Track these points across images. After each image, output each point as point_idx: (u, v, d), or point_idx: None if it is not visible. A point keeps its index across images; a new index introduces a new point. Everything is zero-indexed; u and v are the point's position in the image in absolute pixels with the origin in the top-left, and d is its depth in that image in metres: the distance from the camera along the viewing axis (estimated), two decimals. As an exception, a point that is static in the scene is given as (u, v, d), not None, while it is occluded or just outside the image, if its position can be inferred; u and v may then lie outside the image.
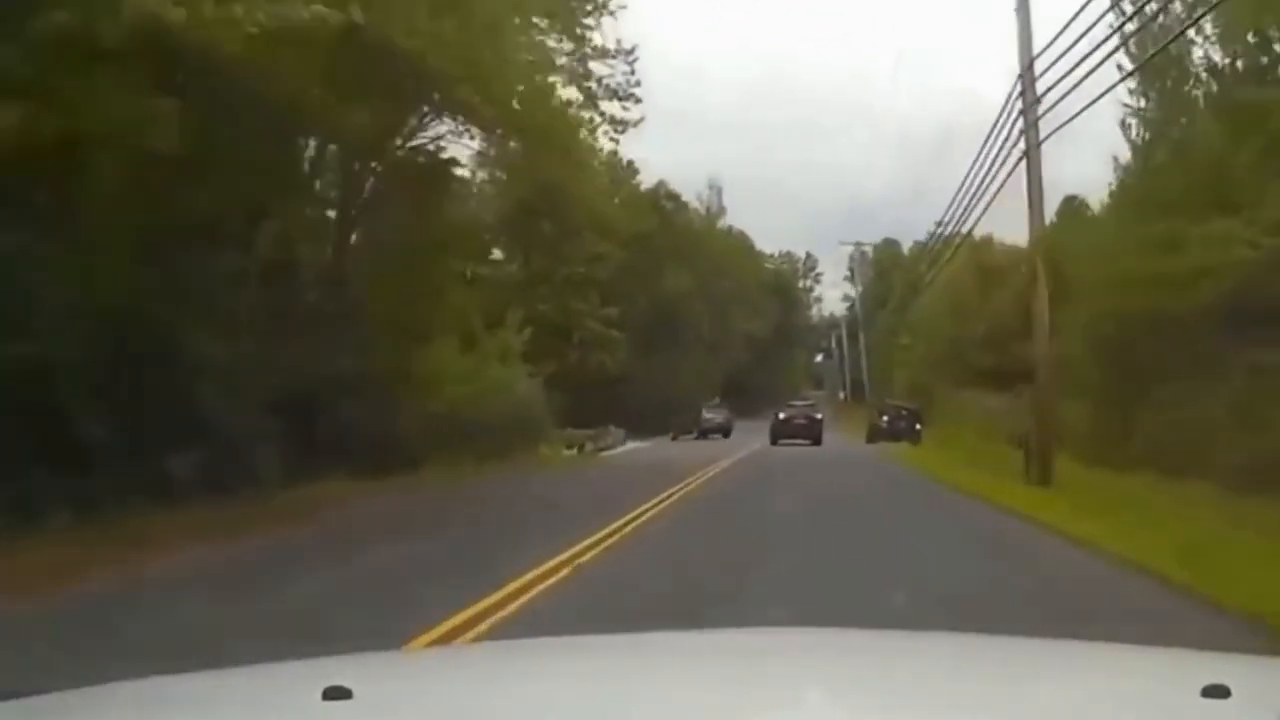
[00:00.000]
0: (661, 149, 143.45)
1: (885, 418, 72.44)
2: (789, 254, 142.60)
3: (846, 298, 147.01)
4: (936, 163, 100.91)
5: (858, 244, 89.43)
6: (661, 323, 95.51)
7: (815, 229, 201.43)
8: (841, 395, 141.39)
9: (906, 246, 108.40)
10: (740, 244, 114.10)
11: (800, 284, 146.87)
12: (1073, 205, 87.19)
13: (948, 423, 64.73)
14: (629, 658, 3.45)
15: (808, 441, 60.11)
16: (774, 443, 61.73)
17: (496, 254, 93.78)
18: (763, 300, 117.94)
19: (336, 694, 2.44)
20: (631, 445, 64.75)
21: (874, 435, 69.93)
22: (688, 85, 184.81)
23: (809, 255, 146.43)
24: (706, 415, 71.32)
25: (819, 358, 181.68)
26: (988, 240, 77.45)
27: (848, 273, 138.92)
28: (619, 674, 3.11)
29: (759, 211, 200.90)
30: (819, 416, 64.86)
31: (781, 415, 65.36)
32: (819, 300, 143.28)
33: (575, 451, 51.96)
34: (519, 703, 2.79)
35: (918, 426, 66.01)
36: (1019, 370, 71.77)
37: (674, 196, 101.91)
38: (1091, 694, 2.73)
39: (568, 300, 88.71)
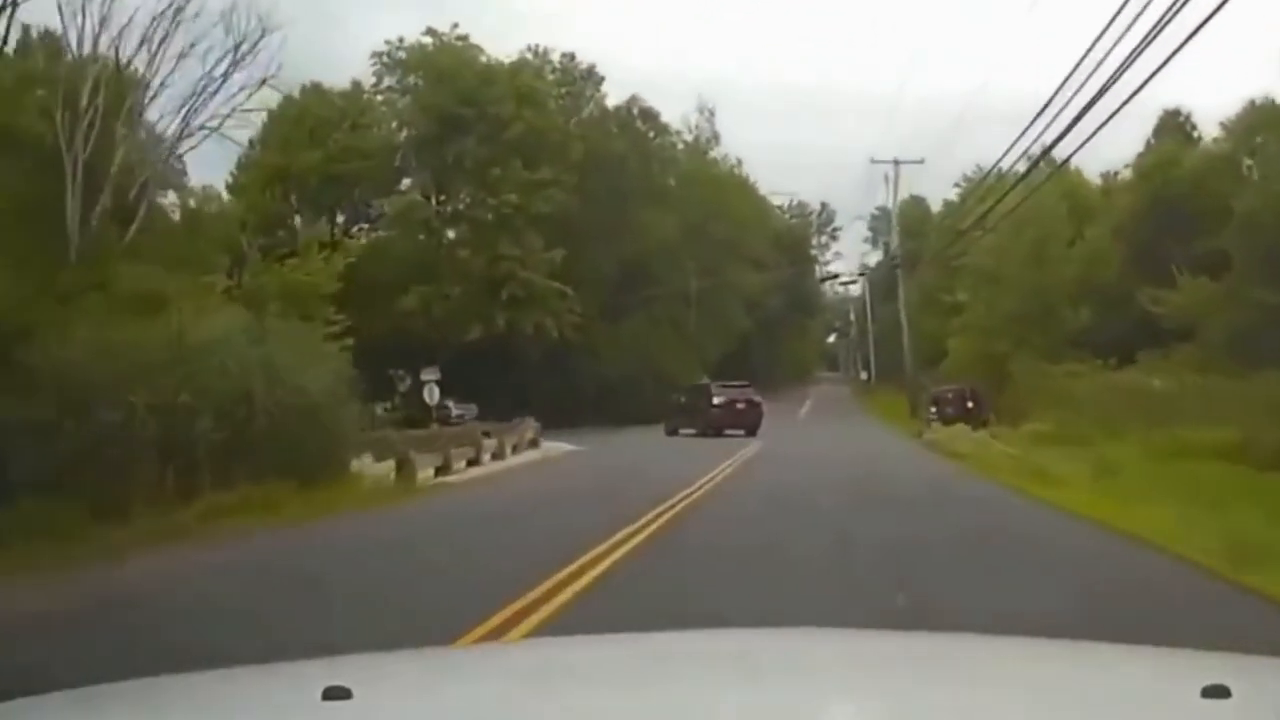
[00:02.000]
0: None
1: (934, 409, 55.22)
2: (801, 204, 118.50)
3: (864, 268, 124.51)
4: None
5: (895, 161, 64.97)
6: (634, 279, 72.72)
7: (831, 183, 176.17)
8: (864, 375, 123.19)
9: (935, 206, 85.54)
10: (739, 182, 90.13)
11: (815, 240, 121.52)
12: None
13: (1041, 410, 43.41)
14: (633, 658, 3.39)
15: (742, 432, 50.41)
16: (672, 433, 53.35)
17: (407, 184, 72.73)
18: (768, 256, 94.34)
19: (336, 694, 2.41)
20: (553, 448, 41.27)
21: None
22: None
23: (825, 206, 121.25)
24: (456, 412, 56.36)
25: (831, 337, 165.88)
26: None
27: (868, 233, 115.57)
28: (622, 674, 3.08)
29: (764, 161, 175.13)
30: (759, 400, 55.26)
31: (718, 400, 53.36)
32: (834, 275, 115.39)
33: (393, 477, 27.64)
34: (519, 702, 2.76)
35: (969, 404, 52.90)
36: (1143, 332, 49.70)
37: (651, 115, 78.96)
38: (1091, 694, 2.69)
39: (495, 243, 65.57)
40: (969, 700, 2.64)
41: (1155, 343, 48.67)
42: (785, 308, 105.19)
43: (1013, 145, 38.76)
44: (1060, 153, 39.16)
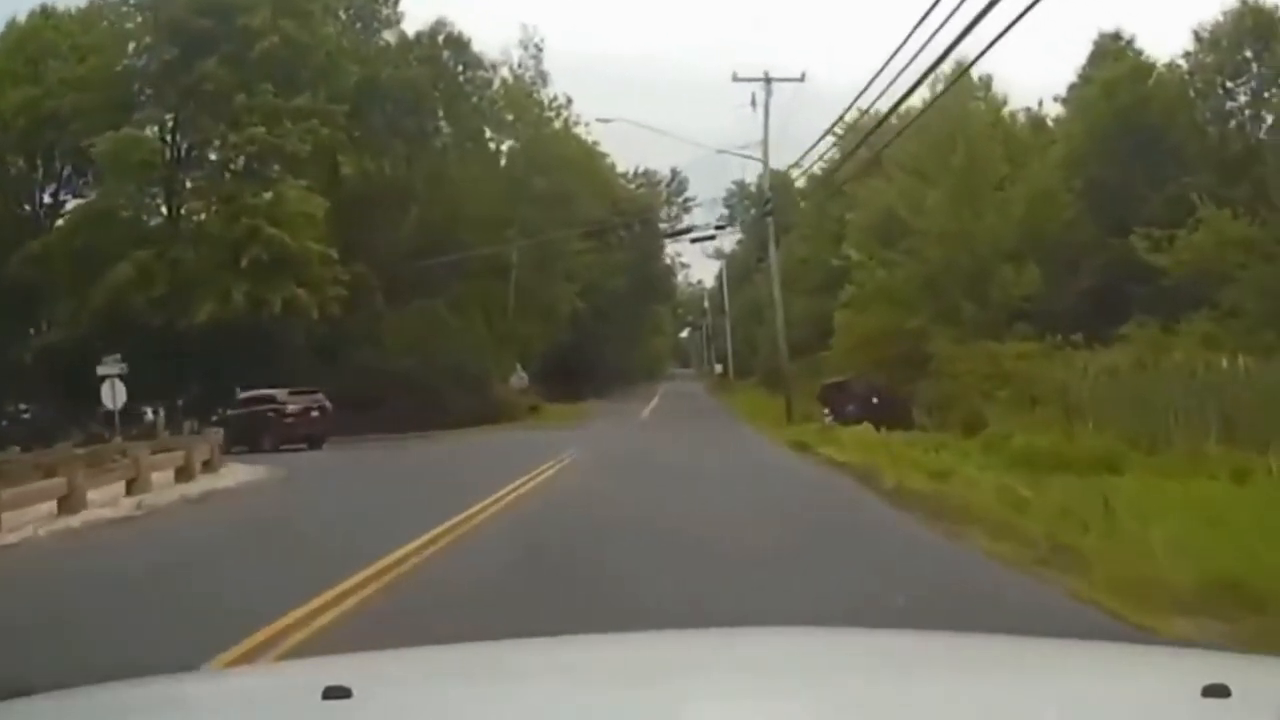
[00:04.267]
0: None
1: (827, 410, 41.89)
2: (649, 172, 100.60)
3: (719, 253, 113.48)
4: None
5: (767, 78, 49.38)
6: (434, 249, 57.02)
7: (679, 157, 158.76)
8: (719, 368, 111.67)
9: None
10: (571, 134, 74.03)
11: (666, 213, 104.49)
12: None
13: (998, 408, 30.79)
14: (635, 656, 3.33)
15: (305, 445, 42.83)
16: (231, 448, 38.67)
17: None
18: (609, 227, 79.11)
19: (336, 694, 2.40)
20: (233, 477, 26.02)
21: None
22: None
23: (675, 174, 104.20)
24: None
25: (685, 332, 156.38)
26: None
27: (728, 198, 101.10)
28: (624, 673, 3.05)
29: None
30: (329, 408, 45.82)
31: (292, 409, 44.80)
32: (686, 229, 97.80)
33: None
34: (519, 702, 2.75)
35: (874, 399, 39.89)
36: (1113, 298, 36.01)
37: (460, 44, 63.35)
38: (1091, 694, 2.62)
39: (239, 193, 50.51)
40: (968, 700, 2.56)
41: (1120, 314, 36.18)
42: (631, 292, 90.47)
43: (898, 50, 24.65)
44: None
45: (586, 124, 72.15)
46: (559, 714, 2.55)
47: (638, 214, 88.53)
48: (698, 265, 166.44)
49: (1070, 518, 13.07)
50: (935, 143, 39.21)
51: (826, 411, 40.36)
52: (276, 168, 52.26)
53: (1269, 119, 42.15)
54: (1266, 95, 42.02)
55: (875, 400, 38.48)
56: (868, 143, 39.65)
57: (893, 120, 35.90)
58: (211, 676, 3.33)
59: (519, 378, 59.18)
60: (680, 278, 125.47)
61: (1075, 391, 26.83)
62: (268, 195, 49.20)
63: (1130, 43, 48.85)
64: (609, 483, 22.21)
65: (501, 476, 21.61)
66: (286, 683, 3.01)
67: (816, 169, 51.43)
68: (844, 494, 19.90)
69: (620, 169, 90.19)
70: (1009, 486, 16.06)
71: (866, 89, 32.17)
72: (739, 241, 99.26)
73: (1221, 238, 32.61)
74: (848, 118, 43.39)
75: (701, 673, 2.99)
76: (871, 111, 38.69)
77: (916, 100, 32.91)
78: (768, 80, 48.96)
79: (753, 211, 76.67)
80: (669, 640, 3.81)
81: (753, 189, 77.56)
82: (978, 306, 38.54)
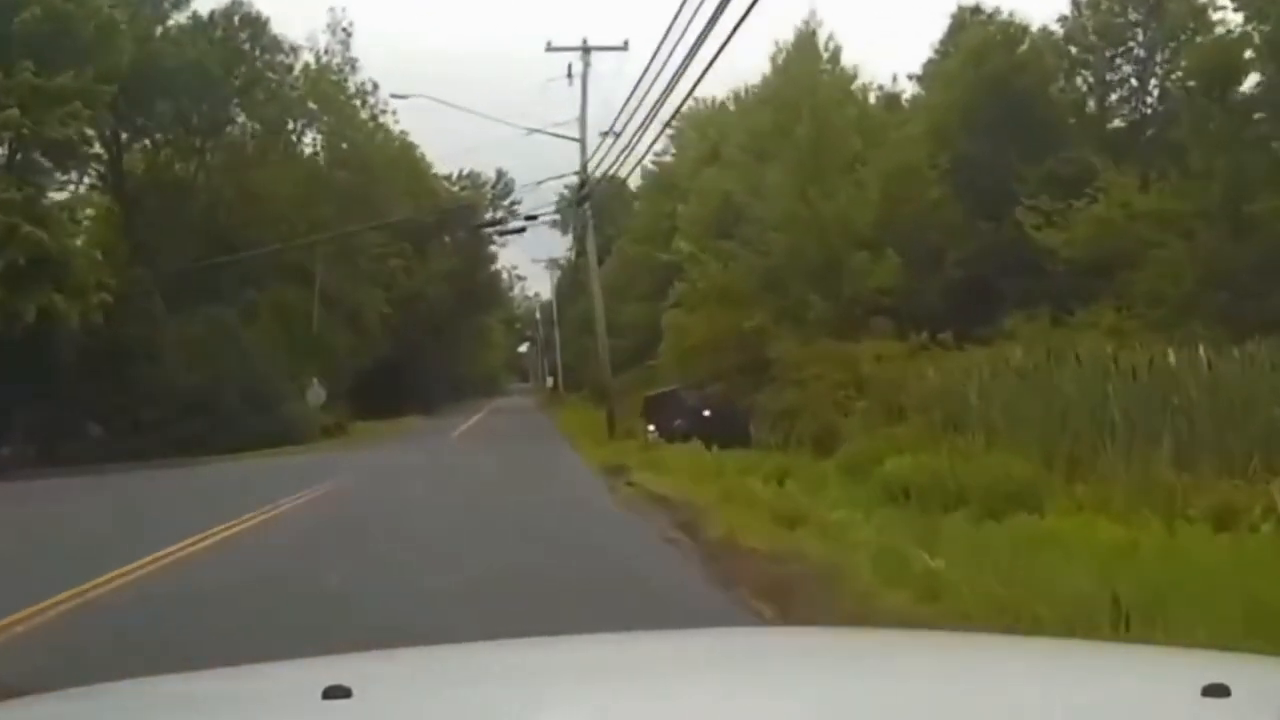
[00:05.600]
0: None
1: (652, 428, 36.88)
2: (473, 174, 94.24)
3: (554, 263, 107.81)
4: None
5: (585, 46, 43.88)
6: (225, 251, 51.97)
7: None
8: (550, 381, 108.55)
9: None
10: (380, 125, 68.10)
11: (491, 215, 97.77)
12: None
13: (861, 420, 26.09)
14: (634, 655, 3.26)
15: None
16: None
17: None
18: (429, 230, 75.16)
19: (336, 693, 2.36)
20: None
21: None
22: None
23: (501, 175, 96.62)
24: None
25: (524, 347, 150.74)
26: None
27: (558, 202, 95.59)
28: (623, 672, 2.99)
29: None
30: None
31: None
32: (493, 221, 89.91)
33: None
34: (520, 701, 2.68)
35: (706, 412, 35.42)
36: (980, 290, 32.10)
37: (257, 24, 57.31)
38: (1091, 694, 2.57)
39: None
40: (966, 700, 2.52)
41: (994, 308, 32.17)
42: (455, 301, 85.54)
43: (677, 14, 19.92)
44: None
45: (394, 112, 66.42)
46: (559, 713, 2.52)
47: (458, 215, 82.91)
48: (535, 277, 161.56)
49: (1022, 617, 7.39)
50: (779, 112, 34.26)
51: (651, 428, 35.16)
52: (44, 159, 46.08)
53: (1156, 90, 37.81)
54: (1155, 61, 37.51)
55: (707, 413, 33.46)
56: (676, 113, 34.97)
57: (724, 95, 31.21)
58: (211, 676, 2.88)
59: (315, 393, 53.06)
60: (517, 290, 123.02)
61: (957, 398, 21.50)
62: (25, 190, 42.81)
63: (991, 17, 44.60)
64: (315, 553, 15.33)
65: (175, 531, 15.78)
66: (286, 682, 2.90)
67: (648, 162, 46.25)
68: (649, 558, 13.53)
69: (444, 171, 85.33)
70: (897, 546, 10.39)
71: (654, 58, 27.15)
72: (570, 248, 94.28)
73: (1129, 211, 27.75)
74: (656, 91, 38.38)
75: (699, 672, 2.90)
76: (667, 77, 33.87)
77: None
78: (586, 49, 43.52)
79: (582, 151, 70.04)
80: (668, 640, 3.78)
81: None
82: (827, 302, 33.45)
